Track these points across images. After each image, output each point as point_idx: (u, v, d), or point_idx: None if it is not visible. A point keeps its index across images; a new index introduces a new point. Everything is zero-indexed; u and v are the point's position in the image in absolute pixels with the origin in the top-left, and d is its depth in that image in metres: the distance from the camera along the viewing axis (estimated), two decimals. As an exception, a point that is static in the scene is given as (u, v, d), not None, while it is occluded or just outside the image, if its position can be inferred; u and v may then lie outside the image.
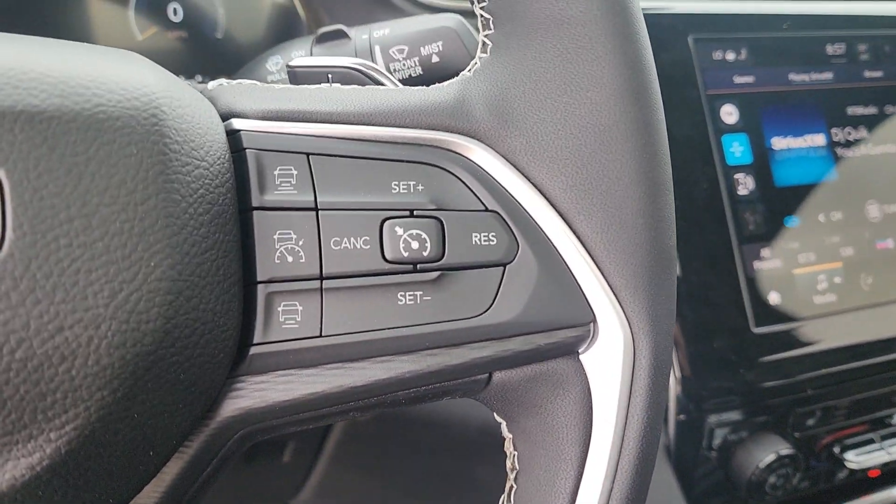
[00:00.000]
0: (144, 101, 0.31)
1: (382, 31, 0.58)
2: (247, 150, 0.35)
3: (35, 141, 0.28)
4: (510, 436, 0.40)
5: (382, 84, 0.43)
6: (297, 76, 0.43)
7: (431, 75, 0.57)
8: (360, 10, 0.79)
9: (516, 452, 0.40)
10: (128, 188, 0.30)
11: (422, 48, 0.57)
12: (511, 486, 0.40)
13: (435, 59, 0.57)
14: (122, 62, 0.34)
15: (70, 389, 0.28)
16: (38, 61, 0.30)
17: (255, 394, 0.34)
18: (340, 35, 0.59)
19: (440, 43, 0.56)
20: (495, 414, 0.41)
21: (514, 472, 0.40)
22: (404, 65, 0.57)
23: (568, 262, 0.37)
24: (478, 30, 0.40)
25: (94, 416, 0.29)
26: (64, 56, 0.32)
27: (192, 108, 0.34)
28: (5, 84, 0.28)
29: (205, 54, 0.79)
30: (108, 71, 0.32)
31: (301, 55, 0.60)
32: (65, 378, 0.28)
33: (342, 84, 0.40)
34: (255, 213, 0.34)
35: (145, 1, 0.75)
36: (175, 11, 0.77)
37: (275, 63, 0.61)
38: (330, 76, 0.43)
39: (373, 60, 0.57)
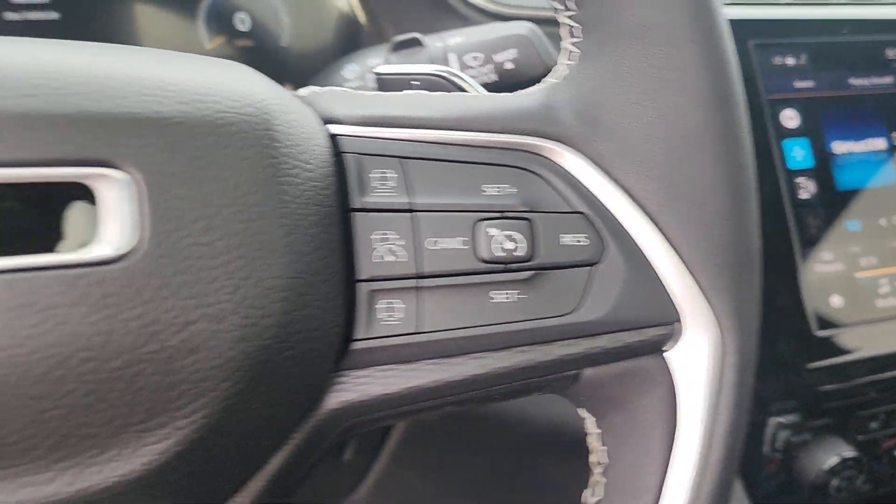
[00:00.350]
0: (258, 107, 0.33)
1: (456, 38, 0.59)
2: (346, 154, 0.36)
3: (162, 145, 0.30)
4: (598, 431, 0.41)
5: (466, 91, 0.44)
6: (384, 83, 0.45)
7: (506, 82, 0.58)
8: (422, 19, 0.80)
9: (604, 448, 0.41)
10: (243, 190, 0.31)
11: (496, 55, 0.58)
12: (597, 481, 0.41)
13: (509, 65, 0.58)
14: (231, 71, 0.35)
15: (197, 380, 0.30)
16: (158, 70, 0.32)
17: (357, 388, 0.36)
18: (415, 43, 0.60)
19: (515, 50, 0.57)
20: (580, 410, 0.42)
21: (601, 466, 0.41)
22: (479, 72, 0.58)
23: (654, 263, 0.38)
24: (556, 37, 0.41)
25: (218, 407, 0.30)
26: (179, 66, 0.33)
27: (297, 114, 0.35)
28: (134, 92, 0.30)
29: (270, 62, 0.81)
30: (222, 79, 0.34)
31: (378, 63, 0.61)
32: (192, 370, 0.29)
33: (427, 90, 0.41)
34: (355, 214, 0.36)
35: (214, 11, 0.77)
36: (242, 21, 0.79)
37: (351, 71, 0.63)
38: (415, 83, 0.44)
39: (447, 67, 0.59)
